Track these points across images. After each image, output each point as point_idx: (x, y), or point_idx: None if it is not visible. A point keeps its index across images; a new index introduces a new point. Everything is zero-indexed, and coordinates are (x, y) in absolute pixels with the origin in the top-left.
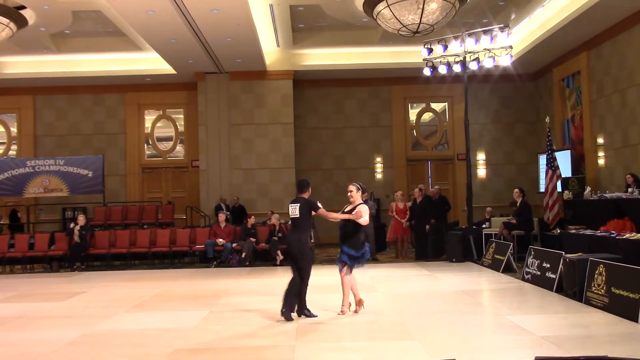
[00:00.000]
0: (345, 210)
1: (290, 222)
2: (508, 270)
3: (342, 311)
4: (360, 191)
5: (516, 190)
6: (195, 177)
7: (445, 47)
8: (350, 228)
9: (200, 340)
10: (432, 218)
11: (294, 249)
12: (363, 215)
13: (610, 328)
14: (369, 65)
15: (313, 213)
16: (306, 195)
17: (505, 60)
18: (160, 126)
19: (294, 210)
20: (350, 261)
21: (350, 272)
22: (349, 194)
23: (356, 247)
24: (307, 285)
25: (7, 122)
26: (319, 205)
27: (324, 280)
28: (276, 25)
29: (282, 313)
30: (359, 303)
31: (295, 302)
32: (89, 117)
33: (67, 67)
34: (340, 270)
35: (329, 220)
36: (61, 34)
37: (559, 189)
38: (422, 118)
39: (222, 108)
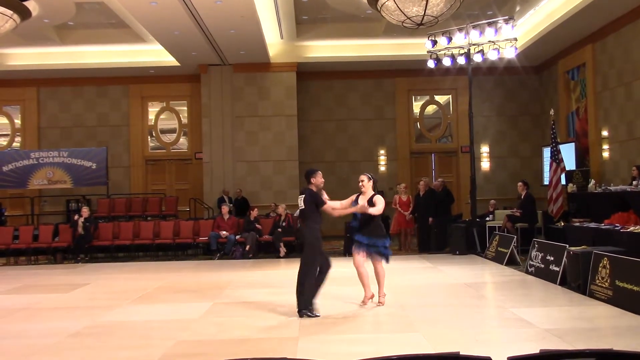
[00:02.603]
0: (359, 202)
1: (298, 213)
2: (511, 263)
3: (380, 302)
4: (371, 181)
5: (520, 183)
6: (199, 169)
7: (450, 39)
8: (367, 215)
9: (203, 332)
10: (435, 211)
11: (304, 240)
12: (377, 205)
13: (614, 321)
14: (372, 57)
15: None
16: (313, 187)
17: (509, 53)
18: (164, 118)
19: (300, 201)
20: (381, 251)
21: (379, 261)
22: (360, 183)
23: (376, 234)
24: (312, 277)
25: (11, 114)
26: (324, 199)
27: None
28: (280, 17)
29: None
30: (370, 297)
31: (314, 292)
32: (93, 109)
33: (71, 58)
34: (357, 259)
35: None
36: (65, 25)
37: (563, 181)
38: (426, 110)
39: (225, 100)
